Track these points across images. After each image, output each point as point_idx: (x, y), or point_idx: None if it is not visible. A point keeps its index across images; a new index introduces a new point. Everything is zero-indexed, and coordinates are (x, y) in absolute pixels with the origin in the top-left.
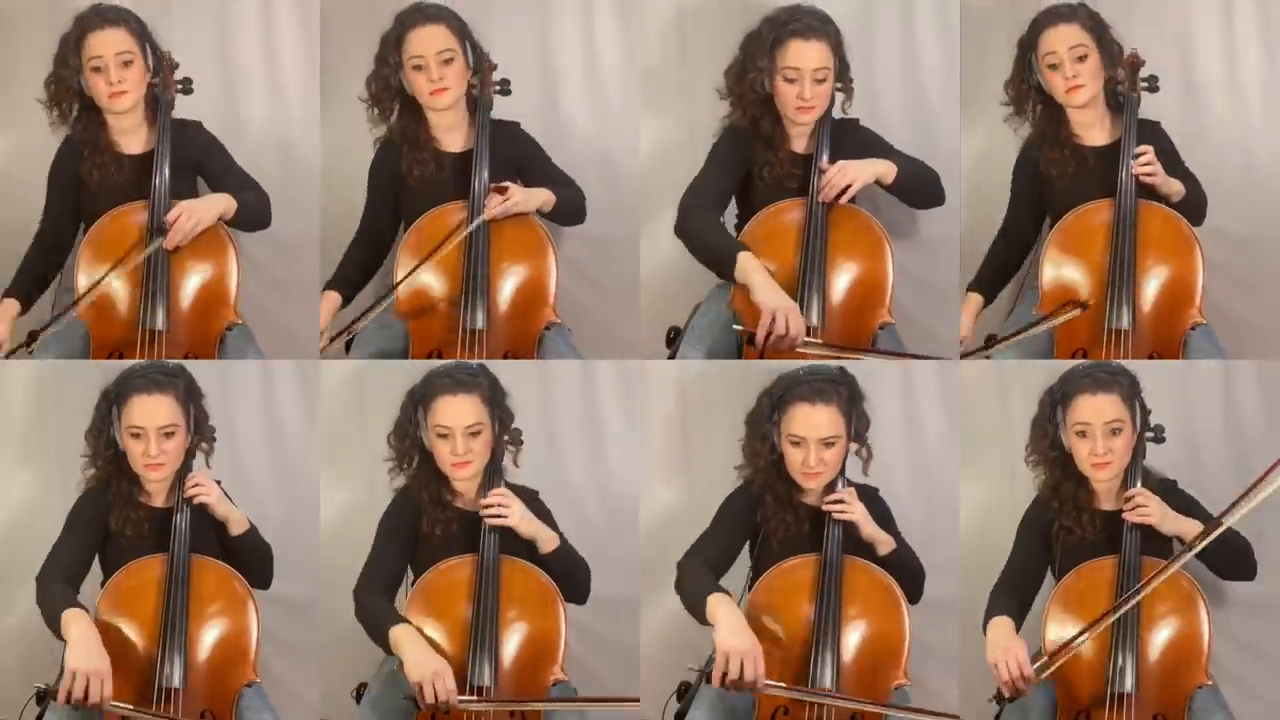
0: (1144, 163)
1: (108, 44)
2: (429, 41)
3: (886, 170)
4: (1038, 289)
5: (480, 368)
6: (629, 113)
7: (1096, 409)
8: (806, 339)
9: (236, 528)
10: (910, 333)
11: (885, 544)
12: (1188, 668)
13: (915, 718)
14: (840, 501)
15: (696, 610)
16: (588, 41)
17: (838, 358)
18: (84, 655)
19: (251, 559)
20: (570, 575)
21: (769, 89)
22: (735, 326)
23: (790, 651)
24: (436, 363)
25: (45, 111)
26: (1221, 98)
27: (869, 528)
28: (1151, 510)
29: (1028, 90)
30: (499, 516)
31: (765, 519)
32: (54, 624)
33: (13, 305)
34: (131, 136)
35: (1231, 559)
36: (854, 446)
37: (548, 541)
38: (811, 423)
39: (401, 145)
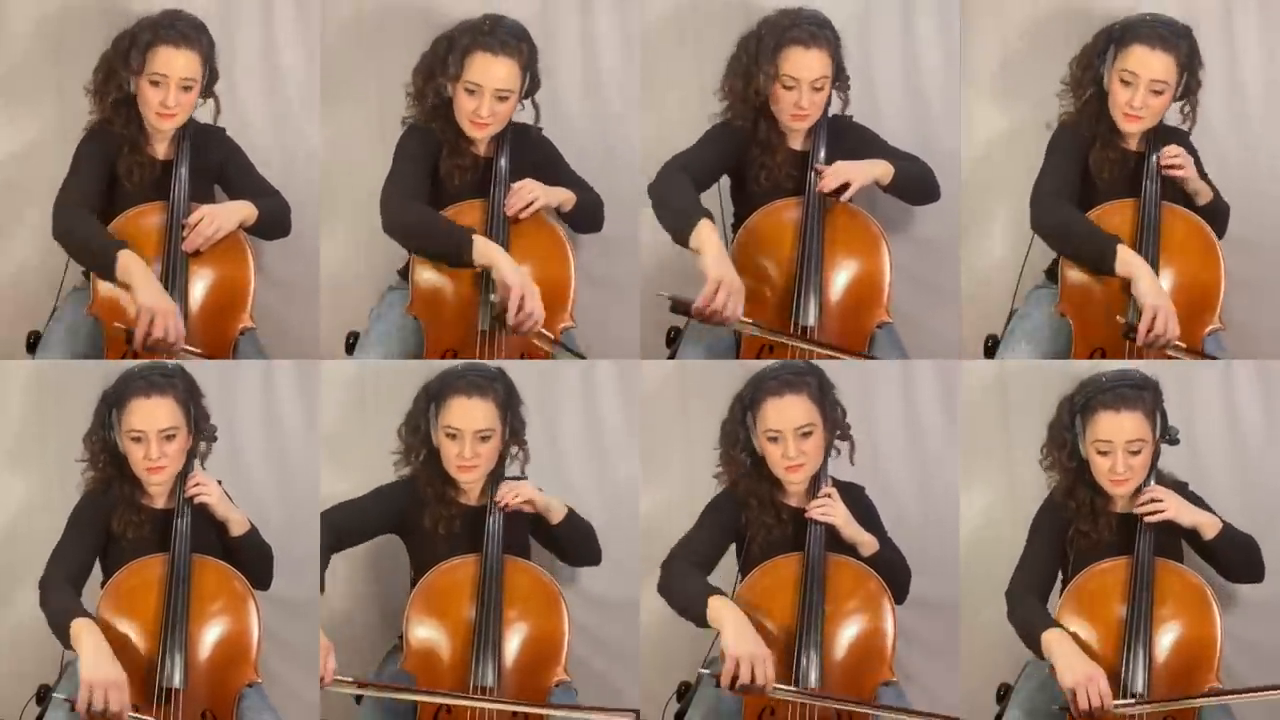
0: (1171, 156)
1: (175, 65)
2: (493, 77)
3: (884, 172)
4: (1044, 288)
5: (499, 371)
6: (628, 113)
7: (1119, 428)
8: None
9: (237, 529)
10: (909, 333)
11: (867, 546)
12: (1199, 669)
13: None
14: (823, 504)
15: (691, 611)
16: (588, 41)
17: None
18: (98, 667)
19: (252, 559)
20: (580, 541)
21: (767, 93)
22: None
23: (775, 650)
24: (444, 363)
25: (89, 96)
26: (1222, 99)
27: (850, 530)
28: (1168, 506)
29: (1090, 79)
30: (517, 496)
31: (749, 522)
32: (62, 633)
33: None
34: (163, 143)
35: (1238, 561)
36: (836, 444)
37: (558, 512)
38: (785, 415)
39: (441, 144)
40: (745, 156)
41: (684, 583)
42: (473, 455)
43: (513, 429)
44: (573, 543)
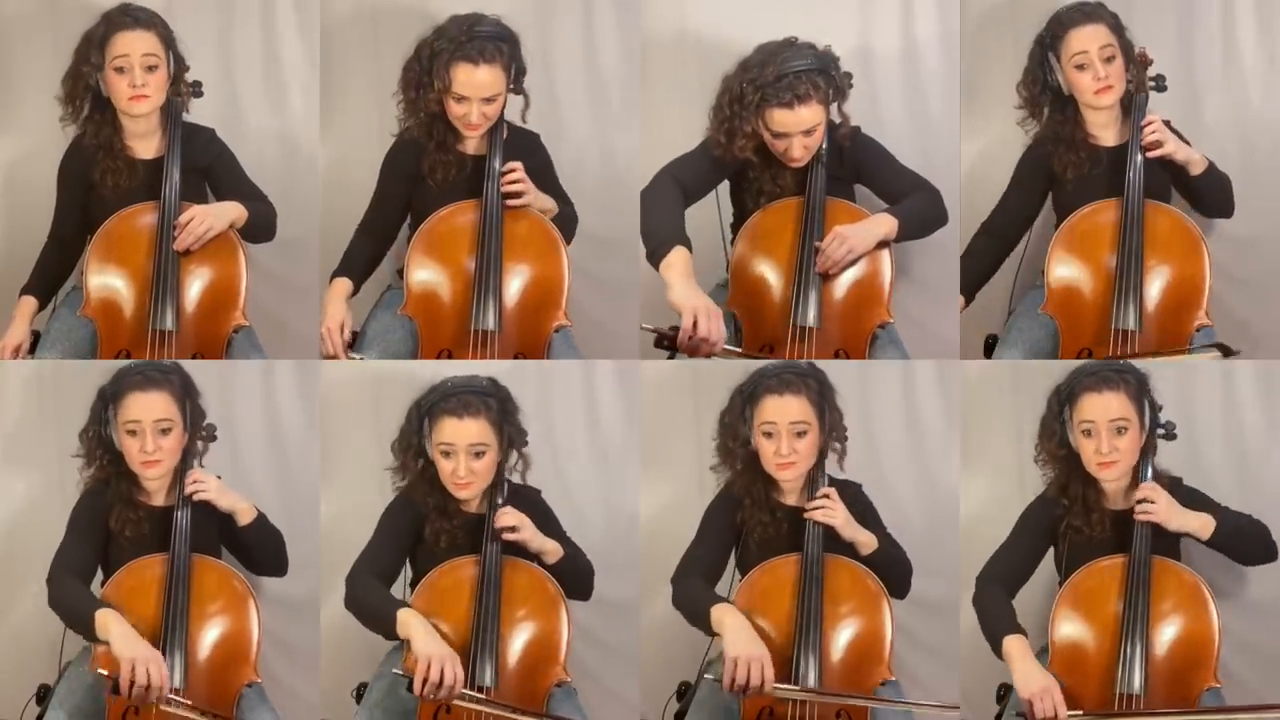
0: (1150, 130)
1: (135, 45)
2: (479, 86)
3: (889, 231)
4: (1042, 288)
5: (491, 384)
6: (629, 114)
7: (1103, 407)
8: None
9: (244, 517)
10: (910, 333)
11: (866, 545)
12: (1196, 670)
13: (915, 709)
14: (822, 504)
15: (697, 619)
16: (587, 41)
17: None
18: (134, 645)
19: (264, 547)
20: (574, 579)
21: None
22: None
23: (774, 650)
24: (442, 363)
25: (60, 106)
26: (1221, 97)
27: (849, 530)
28: (1159, 508)
29: (1041, 89)
30: (513, 530)
31: (744, 521)
32: (80, 623)
33: (31, 302)
34: (145, 141)
35: (1246, 551)
36: (834, 446)
37: (552, 554)
38: (782, 410)
39: (427, 145)
40: (744, 170)
41: (690, 597)
42: (468, 472)
43: (510, 439)
44: (564, 582)
